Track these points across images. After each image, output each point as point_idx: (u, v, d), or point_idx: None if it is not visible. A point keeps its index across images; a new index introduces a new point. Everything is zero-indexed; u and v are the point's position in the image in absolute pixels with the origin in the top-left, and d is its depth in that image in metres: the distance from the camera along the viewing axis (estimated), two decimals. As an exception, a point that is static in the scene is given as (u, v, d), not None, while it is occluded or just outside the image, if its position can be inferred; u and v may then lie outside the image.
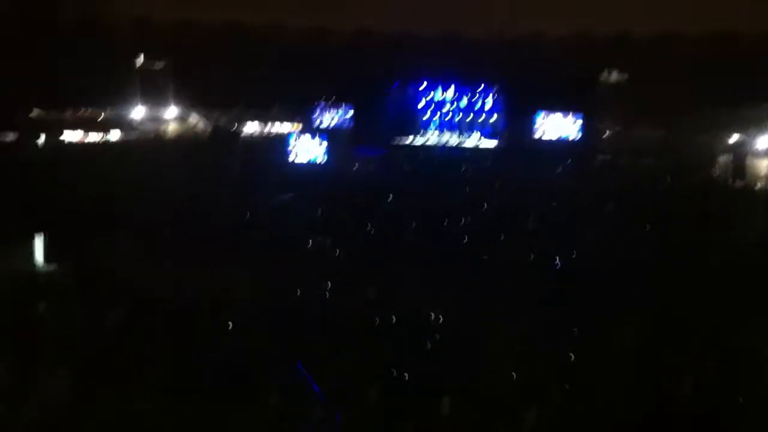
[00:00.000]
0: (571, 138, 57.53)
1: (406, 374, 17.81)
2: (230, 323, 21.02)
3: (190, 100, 69.03)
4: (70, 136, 58.02)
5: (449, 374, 17.96)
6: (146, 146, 57.13)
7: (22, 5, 79.08)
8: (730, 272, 25.97)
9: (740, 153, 49.54)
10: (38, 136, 56.01)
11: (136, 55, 73.99)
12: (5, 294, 22.66)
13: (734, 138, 53.91)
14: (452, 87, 61.95)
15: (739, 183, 45.68)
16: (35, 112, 61.73)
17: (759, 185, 44.86)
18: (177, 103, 68.61)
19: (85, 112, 64.89)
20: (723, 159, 49.60)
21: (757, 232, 31.53)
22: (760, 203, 38.54)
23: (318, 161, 50.38)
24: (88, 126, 60.84)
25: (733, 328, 20.40)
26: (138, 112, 66.96)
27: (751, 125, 55.44)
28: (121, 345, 19.35)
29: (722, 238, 31.07)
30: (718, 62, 68.06)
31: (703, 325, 20.95)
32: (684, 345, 19.62)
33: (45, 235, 28.38)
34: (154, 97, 68.45)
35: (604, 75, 73.82)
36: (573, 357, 18.98)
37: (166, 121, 67.28)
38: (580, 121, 57.44)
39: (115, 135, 60.01)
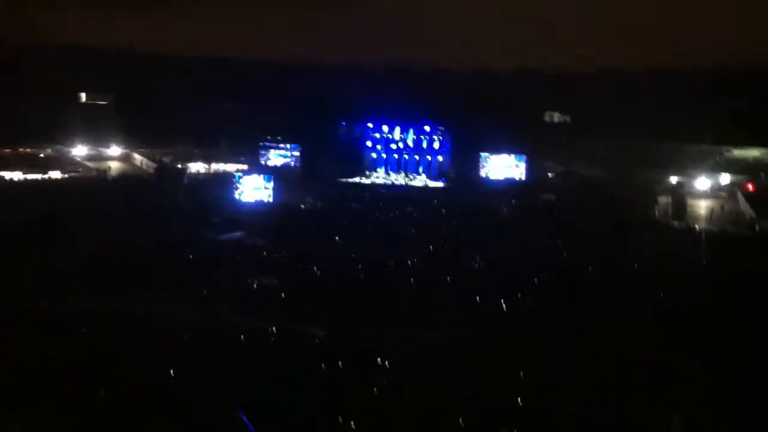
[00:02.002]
0: (516, 177, 58.33)
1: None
2: (172, 361, 20.52)
3: (134, 137, 68.15)
4: (9, 174, 56.57)
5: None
6: (88, 184, 55.99)
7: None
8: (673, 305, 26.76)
9: (680, 192, 50.70)
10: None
11: (80, 90, 73.02)
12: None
13: (677, 177, 55.29)
14: (399, 127, 62.45)
15: (678, 222, 46.62)
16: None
17: (694, 225, 45.88)
18: (120, 141, 67.66)
19: (24, 149, 63.50)
20: (664, 199, 50.74)
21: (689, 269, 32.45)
22: (692, 241, 39.54)
23: (265, 200, 50.11)
24: (29, 164, 59.48)
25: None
26: (80, 150, 65.82)
27: (691, 164, 56.96)
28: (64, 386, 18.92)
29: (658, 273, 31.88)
30: (660, 100, 69.73)
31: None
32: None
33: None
34: (98, 134, 67.43)
35: (548, 114, 75.34)
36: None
37: (109, 159, 66.23)
38: (524, 161, 58.32)
39: (56, 174, 58.68)
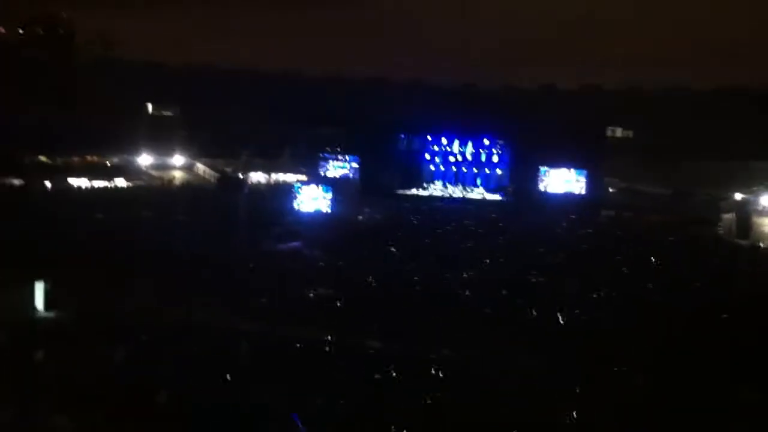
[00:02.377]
0: (576, 192, 57.64)
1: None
2: (228, 371, 20.78)
3: (198, 147, 69.61)
4: (76, 181, 58.33)
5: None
6: (152, 193, 57.31)
7: (35, 46, 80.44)
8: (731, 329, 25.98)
9: (745, 210, 49.51)
10: (44, 181, 56.30)
11: (146, 101, 74.92)
12: (4, 340, 22.51)
13: (739, 194, 54.01)
14: (458, 140, 62.42)
15: (743, 241, 45.53)
16: (42, 157, 62.21)
17: (763, 244, 44.72)
18: (184, 151, 69.18)
19: (92, 157, 65.38)
20: (727, 216, 49.57)
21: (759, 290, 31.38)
22: (763, 262, 38.32)
23: (323, 210, 50.56)
24: (95, 172, 61.21)
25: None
26: (145, 159, 67.45)
27: (756, 181, 55.63)
28: (124, 390, 19.25)
29: (724, 296, 31.04)
30: (727, 118, 68.43)
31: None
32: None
33: (46, 281, 28.37)
34: (162, 143, 69.05)
35: (611, 130, 74.41)
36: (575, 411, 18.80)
37: (172, 168, 67.74)
38: (584, 176, 57.60)
39: (121, 182, 60.32)
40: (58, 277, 28.85)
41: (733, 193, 55.03)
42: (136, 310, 26.13)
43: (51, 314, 27.76)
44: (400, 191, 60.75)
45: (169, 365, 20.94)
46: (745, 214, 48.70)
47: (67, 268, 29.76)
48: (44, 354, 21.78)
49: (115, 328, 24.37)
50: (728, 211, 50.48)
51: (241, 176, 64.78)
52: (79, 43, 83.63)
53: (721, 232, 48.48)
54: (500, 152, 61.70)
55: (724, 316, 27.92)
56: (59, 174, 58.69)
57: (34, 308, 27.94)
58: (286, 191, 54.58)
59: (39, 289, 28.25)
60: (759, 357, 22.60)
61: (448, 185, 62.44)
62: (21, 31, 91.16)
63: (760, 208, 51.46)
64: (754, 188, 54.83)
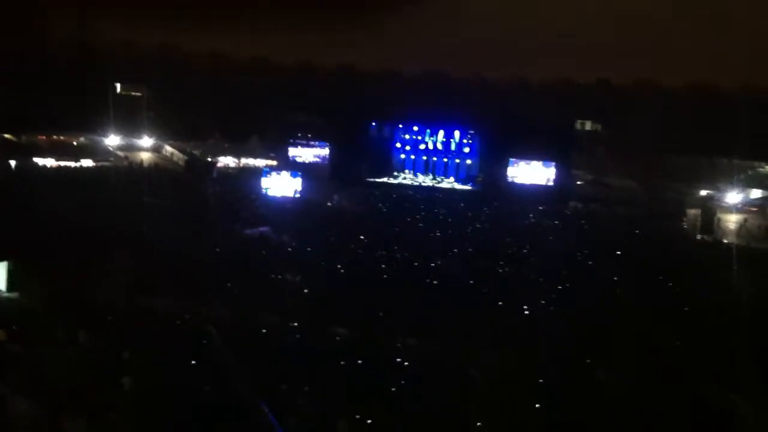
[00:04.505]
0: (544, 184, 58.02)
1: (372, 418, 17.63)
2: (197, 355, 20.67)
3: (167, 129, 68.89)
4: (42, 161, 57.47)
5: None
6: (118, 174, 56.66)
7: (6, 25, 78.87)
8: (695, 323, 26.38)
9: (710, 206, 50.18)
10: (8, 160, 55.40)
11: (115, 81, 73.87)
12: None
13: (707, 190, 54.78)
14: (429, 129, 62.48)
15: (707, 236, 46.17)
16: (6, 135, 61.20)
17: (726, 240, 45.39)
18: (153, 132, 68.42)
19: (58, 137, 64.43)
20: (693, 212, 50.23)
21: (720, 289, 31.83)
22: (724, 259, 38.84)
23: (292, 196, 50.42)
24: (61, 151, 60.35)
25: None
26: (113, 140, 66.61)
27: (723, 178, 56.39)
28: (87, 373, 19.07)
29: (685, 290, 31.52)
30: (696, 114, 69.13)
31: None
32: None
33: (9, 262, 27.99)
34: (130, 124, 68.23)
35: (580, 123, 74.91)
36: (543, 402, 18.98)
37: (140, 150, 67.01)
38: (553, 168, 57.99)
39: (87, 162, 59.53)
40: (22, 258, 28.49)
41: (699, 189, 55.82)
42: (100, 295, 25.86)
43: (13, 295, 27.41)
44: (370, 179, 60.68)
45: (134, 350, 20.80)
46: (710, 209, 49.35)
47: (31, 250, 29.37)
48: (5, 334, 21.55)
49: (79, 311, 24.14)
50: (694, 207, 51.15)
51: (209, 160, 64.31)
52: (48, 18, 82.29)
53: (686, 227, 49.13)
54: (471, 142, 61.88)
55: (685, 310, 28.37)
56: (25, 153, 57.77)
57: (-4, 288, 27.60)
58: (255, 176, 54.31)
59: (2, 269, 27.87)
60: (718, 354, 22.99)
61: (418, 174, 62.54)
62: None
63: (725, 204, 52.23)
64: (720, 185, 55.64)
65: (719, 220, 48.75)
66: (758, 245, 44.30)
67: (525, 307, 27.97)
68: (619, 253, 38.78)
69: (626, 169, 62.07)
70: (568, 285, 31.70)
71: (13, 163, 55.34)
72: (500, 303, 28.51)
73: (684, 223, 49.66)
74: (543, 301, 29.08)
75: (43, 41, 76.28)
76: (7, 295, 27.45)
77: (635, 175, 60.67)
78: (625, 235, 44.00)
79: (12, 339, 21.38)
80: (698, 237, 46.48)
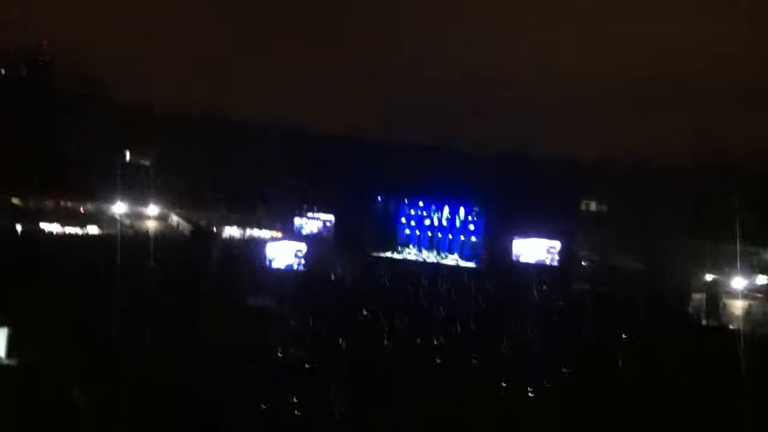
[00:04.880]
0: (549, 263, 57.77)
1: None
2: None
3: (173, 198, 69.25)
4: (48, 226, 57.67)
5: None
6: (125, 241, 56.71)
7: (14, 80, 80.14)
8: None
9: (715, 291, 49.87)
10: (14, 224, 55.57)
11: (124, 149, 74.61)
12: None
13: (712, 275, 54.41)
14: (434, 204, 62.70)
15: (712, 322, 45.76)
16: (14, 200, 61.49)
17: (732, 326, 44.95)
18: (159, 201, 68.75)
19: (65, 202, 64.75)
20: (698, 296, 49.89)
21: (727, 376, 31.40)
22: (730, 346, 38.39)
23: (296, 267, 50.26)
24: (68, 217, 60.60)
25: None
26: (119, 207, 66.89)
27: (728, 262, 56.08)
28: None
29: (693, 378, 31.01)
30: (700, 195, 69.22)
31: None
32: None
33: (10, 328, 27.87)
34: (137, 192, 68.59)
35: (586, 203, 75.13)
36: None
37: (147, 218, 67.23)
38: (558, 248, 57.82)
39: (93, 229, 59.72)
40: (21, 323, 28.34)
41: (705, 273, 55.48)
42: (98, 360, 25.64)
43: (12, 361, 27.19)
44: (375, 253, 60.63)
45: (130, 416, 20.54)
46: (716, 294, 49.02)
47: (32, 315, 29.25)
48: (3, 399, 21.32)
49: (76, 376, 23.91)
50: (699, 291, 50.83)
51: (214, 230, 64.45)
52: (61, 79, 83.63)
53: (691, 311, 48.73)
54: (475, 219, 62.01)
55: (694, 399, 27.89)
56: (31, 218, 57.99)
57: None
58: (259, 247, 54.27)
59: (1, 336, 27.69)
60: None
61: (422, 249, 62.51)
62: (1, 71, 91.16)
63: (730, 289, 51.90)
64: (725, 269, 55.32)
65: (725, 305, 48.40)
66: (764, 331, 43.84)
67: (530, 388, 27.60)
68: (624, 336, 38.41)
69: (631, 250, 61.93)
70: (572, 368, 31.31)
71: (19, 227, 55.51)
72: (503, 383, 28.13)
73: (689, 308, 49.26)
74: (548, 384, 28.69)
75: (53, 107, 77.42)
76: (5, 361, 27.23)
77: (640, 257, 60.46)
78: (629, 319, 43.62)
79: (9, 404, 21.13)
80: (703, 322, 46.07)
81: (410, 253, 62.00)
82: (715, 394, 27.90)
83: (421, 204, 63.23)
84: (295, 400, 24.24)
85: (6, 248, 47.39)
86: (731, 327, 44.69)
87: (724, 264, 55.76)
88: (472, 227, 62.11)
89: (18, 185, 61.09)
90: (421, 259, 60.85)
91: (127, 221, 64.70)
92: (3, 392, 22.03)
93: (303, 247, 51.27)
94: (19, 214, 58.58)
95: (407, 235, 63.39)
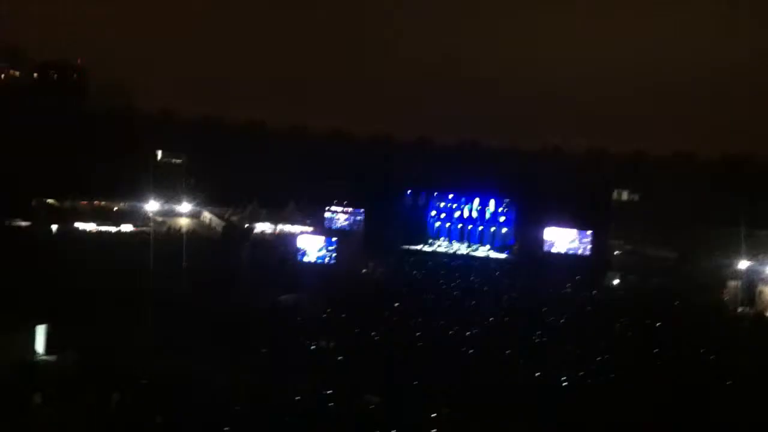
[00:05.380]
0: (580, 253, 57.44)
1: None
2: (223, 424, 20.51)
3: (205, 196, 69.83)
4: (83, 225, 58.50)
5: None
6: (158, 238, 57.34)
7: (47, 91, 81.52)
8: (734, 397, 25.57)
9: (750, 278, 49.20)
10: (51, 224, 56.48)
11: (156, 149, 75.46)
12: (5, 383, 22.34)
13: (746, 262, 53.57)
14: (464, 197, 62.62)
15: (747, 309, 45.19)
16: (50, 200, 62.46)
17: (763, 311, 44.38)
18: (192, 199, 69.33)
19: (99, 202, 65.61)
20: (733, 283, 49.25)
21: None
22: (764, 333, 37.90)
23: (327, 262, 50.52)
24: (102, 217, 61.41)
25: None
26: (152, 205, 67.59)
27: (762, 249, 55.32)
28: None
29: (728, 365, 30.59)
30: (734, 185, 68.46)
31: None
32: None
33: (48, 325, 28.29)
34: (170, 191, 69.25)
35: (617, 193, 74.51)
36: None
37: (179, 216, 67.85)
38: (590, 238, 57.47)
39: (127, 227, 60.45)
40: (60, 321, 28.75)
41: (739, 260, 54.72)
42: (135, 358, 25.91)
43: (51, 358, 27.59)
44: (405, 246, 60.70)
45: (167, 414, 20.73)
46: (750, 281, 48.38)
47: (70, 313, 29.64)
48: (42, 397, 21.61)
49: (113, 374, 24.16)
50: (733, 279, 50.17)
51: (246, 226, 64.91)
52: (92, 90, 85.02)
53: (726, 298, 48.14)
54: (506, 210, 61.79)
55: (728, 384, 27.55)
56: (66, 218, 58.86)
57: (34, 352, 27.79)
58: (291, 242, 54.60)
59: (40, 333, 28.13)
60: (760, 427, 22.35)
61: (453, 242, 62.44)
62: (35, 75, 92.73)
63: (765, 276, 51.13)
64: (760, 256, 54.54)
65: (760, 292, 47.73)
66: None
67: (563, 378, 27.41)
68: (658, 324, 38.06)
69: (664, 239, 61.37)
70: (606, 356, 31.09)
71: (54, 227, 56.37)
72: (537, 373, 27.97)
73: (724, 295, 48.66)
74: (581, 372, 28.48)
75: (88, 110, 78.54)
76: (44, 357, 27.63)
77: (673, 246, 59.89)
78: (663, 307, 43.21)
79: (47, 402, 21.41)
80: (739, 309, 45.50)
81: (441, 246, 62.02)
82: (751, 380, 27.56)
83: (450, 197, 63.21)
84: (328, 392, 24.29)
85: (43, 248, 48.18)
86: (766, 314, 44.13)
87: (758, 251, 55.05)
88: (502, 219, 62.01)
89: (53, 187, 62.06)
90: (452, 252, 60.84)
91: (159, 219, 65.40)
92: (41, 387, 22.34)
93: (334, 241, 51.54)
94: (54, 214, 59.50)
95: (437, 228, 63.42)
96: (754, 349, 33.52)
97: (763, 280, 50.23)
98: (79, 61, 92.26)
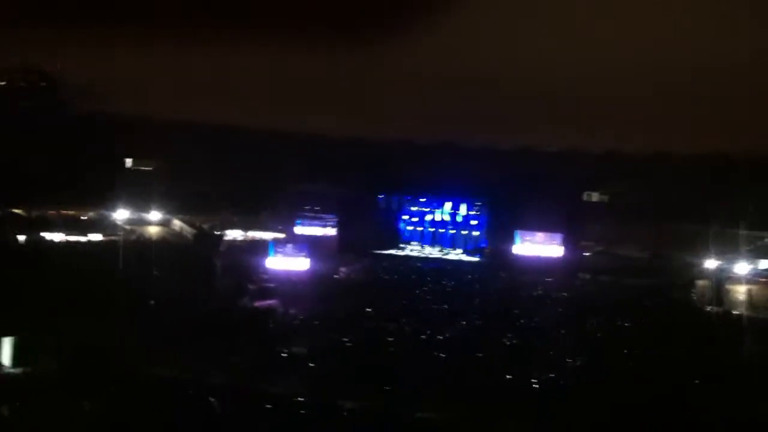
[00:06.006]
0: (552, 255, 57.88)
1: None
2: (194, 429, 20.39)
3: (176, 203, 69.16)
4: (51, 235, 57.62)
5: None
6: (127, 247, 56.76)
7: (16, 96, 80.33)
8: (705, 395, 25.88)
9: (719, 277, 49.80)
10: (16, 235, 55.57)
11: (125, 156, 74.57)
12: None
13: (717, 261, 54.19)
14: (436, 201, 62.82)
15: (716, 308, 45.73)
16: (16, 210, 61.47)
17: (736, 312, 44.91)
18: (162, 207, 68.68)
19: (67, 211, 64.67)
20: (702, 283, 49.84)
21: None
22: (734, 330, 38.37)
23: (299, 268, 50.37)
24: (70, 226, 60.55)
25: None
26: (121, 214, 66.85)
27: (731, 248, 55.93)
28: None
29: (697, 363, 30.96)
30: (706, 183, 69.08)
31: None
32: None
33: (15, 337, 27.91)
34: (139, 198, 68.54)
35: (587, 194, 74.96)
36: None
37: (149, 224, 67.16)
38: (561, 239, 57.93)
39: (96, 236, 59.66)
40: (28, 332, 28.40)
41: (708, 260, 55.35)
42: (105, 365, 25.64)
43: (18, 370, 27.22)
44: (378, 251, 60.71)
45: (139, 419, 20.57)
46: (720, 281, 48.98)
47: (37, 324, 29.29)
48: (9, 409, 21.32)
49: (84, 381, 23.91)
50: (703, 278, 50.78)
51: (218, 233, 64.47)
52: (61, 95, 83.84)
53: (695, 297, 48.72)
54: (478, 214, 62.07)
55: (696, 383, 27.85)
56: (33, 228, 57.96)
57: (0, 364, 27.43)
58: (262, 249, 54.38)
59: (6, 345, 27.75)
60: (728, 425, 22.61)
61: (425, 246, 62.58)
62: (2, 83, 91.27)
63: (734, 275, 51.79)
64: (728, 255, 55.17)
65: (728, 291, 48.35)
66: (766, 316, 43.86)
67: (534, 379, 27.57)
68: (627, 324, 38.43)
69: (634, 239, 61.89)
70: (577, 357, 31.31)
71: (21, 237, 55.55)
72: (509, 376, 28.11)
73: (693, 294, 49.24)
74: (552, 374, 28.66)
75: (54, 116, 77.49)
76: (12, 370, 27.25)
77: (644, 246, 60.44)
78: (634, 307, 43.63)
79: (15, 414, 21.13)
80: (708, 308, 46.05)
81: (413, 250, 62.13)
82: (719, 378, 27.89)
83: (423, 200, 63.36)
84: (300, 399, 24.23)
85: (9, 258, 47.46)
86: (734, 312, 44.66)
87: (727, 250, 55.67)
88: (474, 222, 62.30)
89: (19, 196, 61.09)
90: (424, 256, 60.96)
91: (129, 227, 64.69)
92: (9, 400, 22.02)
93: (306, 248, 51.45)
94: (21, 224, 58.59)
95: (410, 232, 63.51)
96: (723, 347, 33.95)
97: (731, 279, 50.89)
98: (47, 65, 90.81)
